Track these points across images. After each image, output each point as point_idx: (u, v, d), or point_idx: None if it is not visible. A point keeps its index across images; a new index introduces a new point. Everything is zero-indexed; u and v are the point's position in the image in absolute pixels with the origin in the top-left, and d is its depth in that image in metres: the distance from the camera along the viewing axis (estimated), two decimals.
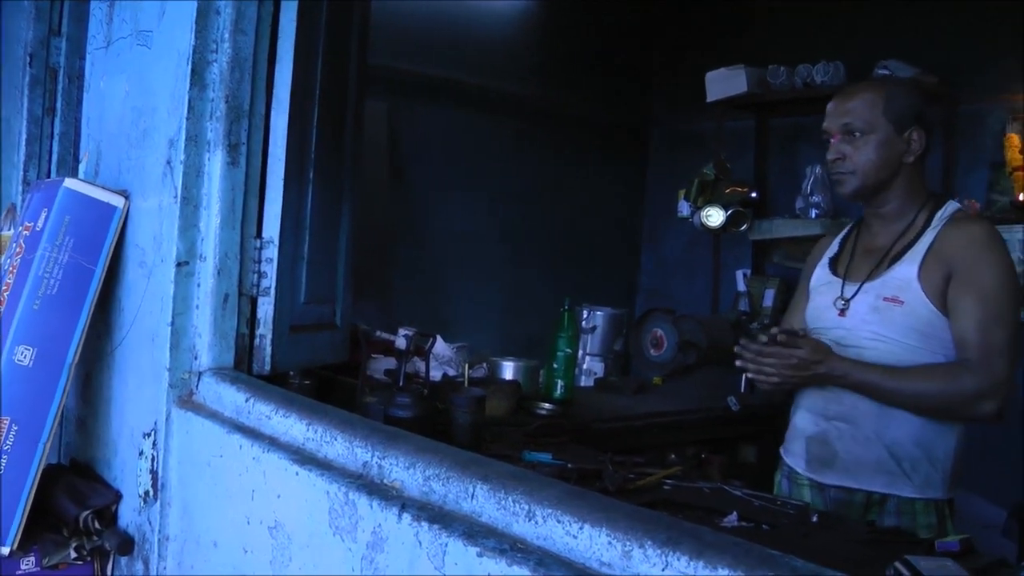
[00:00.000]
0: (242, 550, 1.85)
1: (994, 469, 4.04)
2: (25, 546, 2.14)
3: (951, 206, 2.29)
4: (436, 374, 2.95)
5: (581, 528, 1.27)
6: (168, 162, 2.16)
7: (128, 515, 2.25)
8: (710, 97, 5.12)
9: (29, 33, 2.88)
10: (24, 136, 2.88)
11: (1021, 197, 4.09)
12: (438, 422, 2.40)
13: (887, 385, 2.18)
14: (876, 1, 4.73)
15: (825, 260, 2.45)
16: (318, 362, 2.54)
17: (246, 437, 1.89)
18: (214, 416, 2.04)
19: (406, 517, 1.46)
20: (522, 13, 5.44)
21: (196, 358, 2.16)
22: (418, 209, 5.04)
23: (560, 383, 3.37)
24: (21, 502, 2.12)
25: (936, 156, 4.47)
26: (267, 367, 2.24)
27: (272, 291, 2.25)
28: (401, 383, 2.49)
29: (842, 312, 2.30)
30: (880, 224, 2.33)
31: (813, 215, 4.83)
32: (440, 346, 3.14)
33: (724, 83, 5.06)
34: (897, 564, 1.56)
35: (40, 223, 2.20)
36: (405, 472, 1.57)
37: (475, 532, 1.38)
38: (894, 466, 2.22)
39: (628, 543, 1.21)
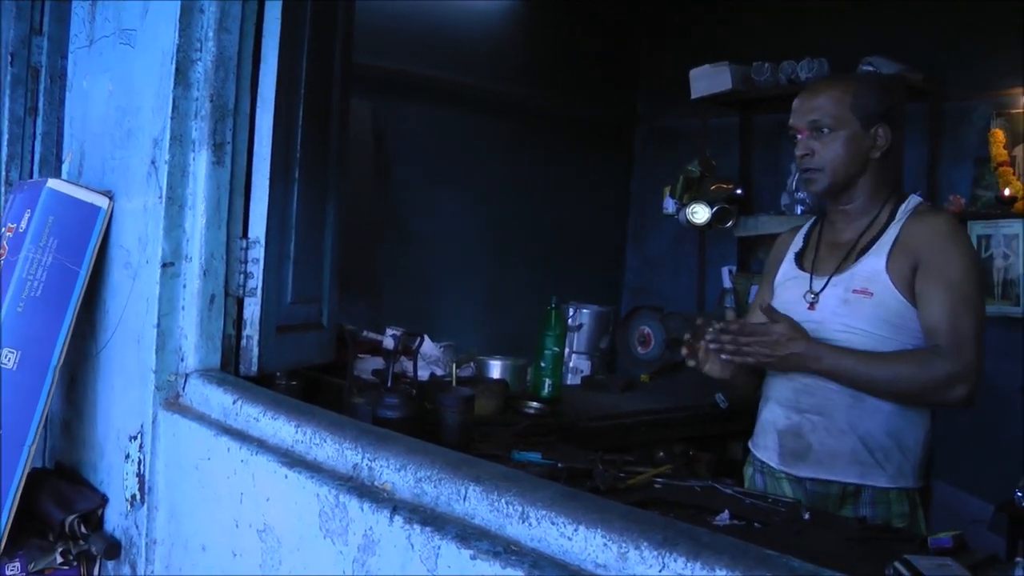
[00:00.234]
0: (231, 554, 1.84)
1: (978, 464, 4.07)
2: (10, 551, 2.12)
3: (913, 199, 2.33)
4: (423, 374, 2.94)
5: (576, 530, 1.26)
6: (153, 162, 2.14)
7: (114, 519, 2.23)
8: (694, 94, 5.12)
9: (10, 32, 2.84)
10: (6, 136, 2.84)
11: (1006, 192, 4.10)
12: (427, 422, 2.38)
13: (859, 369, 2.19)
14: None
15: (791, 255, 2.46)
16: (305, 363, 2.52)
17: (234, 439, 1.87)
18: (201, 418, 2.02)
19: (398, 519, 1.45)
20: (505, 11, 5.42)
21: (182, 360, 2.14)
22: (403, 208, 5.02)
23: (548, 382, 3.36)
24: (6, 507, 2.10)
25: (921, 151, 4.49)
26: (254, 368, 2.23)
27: (259, 291, 2.23)
28: (389, 383, 2.48)
29: (812, 305, 2.31)
30: (844, 220, 2.35)
31: (799, 211, 4.83)
32: (427, 345, 3.12)
33: (708, 80, 5.05)
34: (897, 564, 1.55)
35: (23, 224, 2.17)
36: (396, 474, 1.56)
37: (468, 534, 1.36)
38: (867, 456, 2.24)
39: (624, 544, 1.20)
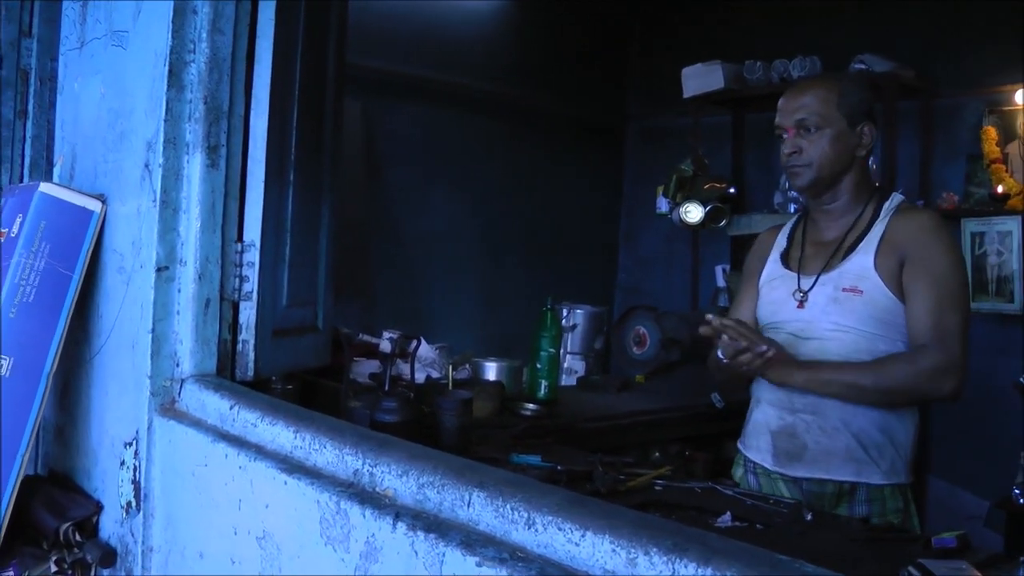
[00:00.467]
0: (229, 561, 1.81)
1: (973, 460, 4.07)
2: (3, 561, 2.09)
3: (896, 197, 2.36)
4: (419, 376, 2.92)
5: (583, 535, 1.24)
6: (146, 165, 2.12)
7: (110, 526, 2.20)
8: (686, 93, 5.11)
9: None
10: None
11: (1000, 189, 4.10)
12: (425, 426, 2.37)
13: (844, 377, 2.22)
14: None
15: (775, 255, 2.47)
16: (301, 366, 2.50)
17: (231, 445, 1.85)
18: (198, 424, 1.99)
19: (401, 526, 1.43)
20: (496, 10, 5.41)
21: (178, 365, 2.11)
22: (394, 209, 5.01)
23: (544, 383, 3.35)
24: None
25: (914, 148, 4.49)
26: (250, 373, 2.20)
27: (254, 295, 2.21)
28: (387, 387, 2.46)
29: (801, 304, 2.32)
30: (828, 218, 2.36)
31: (792, 210, 4.82)
32: (423, 348, 3.11)
33: (700, 79, 5.04)
34: (911, 568, 1.54)
35: (15, 229, 2.15)
36: (398, 480, 1.53)
37: (473, 541, 1.34)
38: (862, 454, 2.25)
39: (633, 550, 1.18)
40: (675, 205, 4.96)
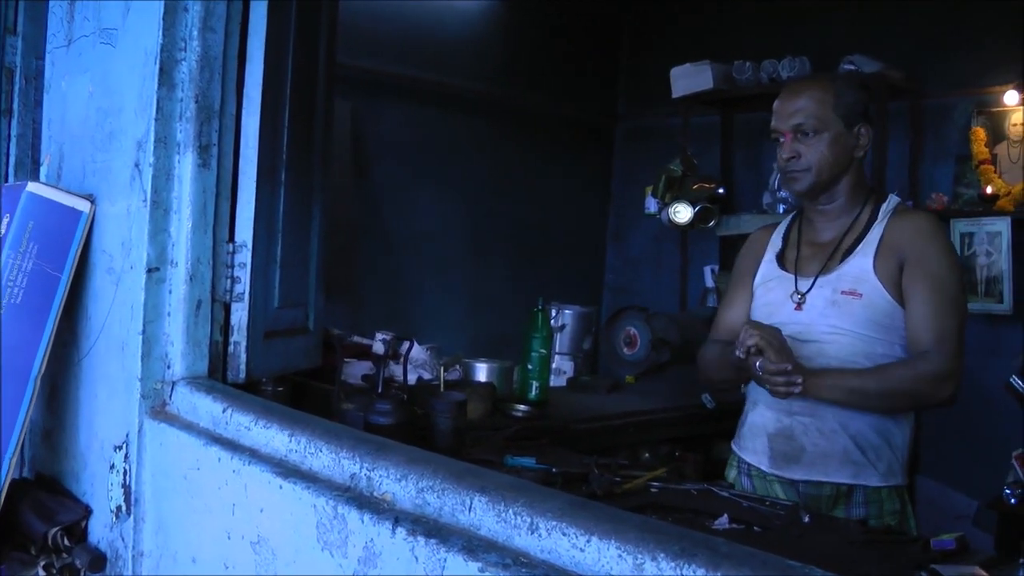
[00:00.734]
0: (223, 566, 1.79)
1: (962, 460, 4.07)
2: None
3: (893, 199, 2.35)
4: (410, 378, 2.89)
5: (588, 541, 1.23)
6: (136, 165, 2.09)
7: (99, 531, 2.17)
8: (675, 93, 5.11)
9: None
10: None
11: (989, 190, 4.10)
12: (418, 428, 2.34)
13: (851, 384, 2.19)
14: None
15: (771, 255, 2.44)
16: (292, 368, 2.47)
17: (224, 449, 1.82)
18: (189, 427, 1.96)
19: (400, 531, 1.41)
20: (485, 10, 5.39)
21: (169, 367, 2.08)
22: (382, 209, 4.98)
23: (535, 384, 3.33)
24: None
25: (903, 149, 4.50)
26: (242, 375, 2.18)
27: (246, 296, 2.18)
28: (380, 389, 2.43)
29: (798, 306, 2.30)
30: (824, 219, 2.35)
31: (781, 210, 4.83)
32: (414, 349, 3.08)
33: (689, 79, 5.04)
34: (923, 573, 1.52)
35: (2, 229, 2.12)
36: (396, 484, 1.51)
37: (475, 546, 1.32)
38: (860, 456, 2.25)
39: (640, 556, 1.17)
40: (664, 205, 4.95)
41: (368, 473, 1.56)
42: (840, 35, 4.73)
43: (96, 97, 2.27)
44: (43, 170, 2.47)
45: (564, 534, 1.26)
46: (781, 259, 2.41)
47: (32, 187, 2.14)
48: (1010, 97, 4.17)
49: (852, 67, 4.33)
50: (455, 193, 5.25)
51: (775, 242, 2.46)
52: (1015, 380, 3.56)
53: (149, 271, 2.06)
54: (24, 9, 2.83)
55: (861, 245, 2.26)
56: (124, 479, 2.08)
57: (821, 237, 2.35)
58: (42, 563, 2.11)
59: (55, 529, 2.13)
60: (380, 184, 4.96)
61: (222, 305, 2.17)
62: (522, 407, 3.15)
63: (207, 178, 2.10)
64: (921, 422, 2.36)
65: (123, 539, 2.08)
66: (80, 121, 2.32)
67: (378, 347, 2.48)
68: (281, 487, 1.65)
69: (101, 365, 2.20)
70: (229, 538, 1.77)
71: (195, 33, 2.07)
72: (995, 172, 4.18)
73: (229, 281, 2.16)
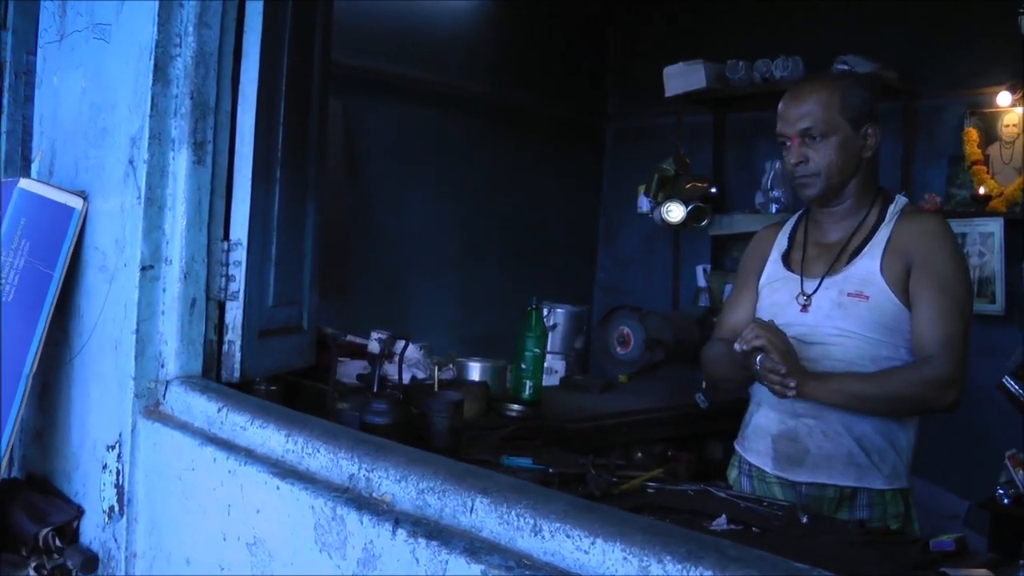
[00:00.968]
0: (218, 567, 1.77)
1: (953, 460, 4.07)
2: None
3: (900, 200, 2.32)
4: (404, 377, 2.87)
5: (593, 543, 1.21)
6: (130, 161, 2.06)
7: (91, 531, 2.15)
8: (668, 92, 5.10)
9: None
10: None
11: (981, 191, 4.11)
12: (414, 428, 2.32)
13: (855, 389, 2.18)
14: None
15: (776, 255, 2.42)
16: (286, 367, 2.45)
17: (220, 449, 1.80)
18: (184, 427, 1.94)
19: (401, 533, 1.39)
20: (476, 9, 5.37)
21: (163, 366, 2.06)
22: (374, 208, 4.96)
23: (529, 383, 3.31)
24: None
25: (896, 150, 4.50)
26: (236, 374, 2.16)
27: (240, 295, 2.16)
28: (375, 388, 2.41)
29: (804, 308, 2.27)
30: (831, 219, 2.32)
31: (773, 209, 4.82)
32: (408, 348, 3.06)
33: (683, 78, 5.03)
34: None
35: None
36: (396, 485, 1.50)
37: (477, 548, 1.31)
38: (864, 459, 2.23)
39: (645, 558, 1.15)
40: (656, 204, 4.94)
41: (367, 474, 1.55)
42: (833, 35, 4.73)
43: (89, 93, 2.25)
44: (34, 167, 2.44)
45: (568, 536, 1.24)
46: (787, 259, 2.38)
47: (24, 183, 2.11)
48: (1003, 98, 4.17)
49: (846, 67, 4.33)
50: (447, 192, 5.24)
51: (781, 242, 2.43)
52: (1008, 381, 3.57)
53: (143, 269, 2.04)
54: (15, 4, 2.79)
55: (868, 247, 2.24)
56: (117, 479, 2.06)
57: (828, 238, 2.33)
58: (33, 564, 2.09)
59: (46, 530, 2.11)
60: (371, 183, 4.95)
61: (216, 303, 2.15)
62: (516, 407, 3.12)
63: (202, 175, 2.08)
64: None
65: (116, 540, 2.06)
66: (72, 117, 2.30)
67: (373, 346, 2.46)
68: (278, 488, 1.63)
69: (94, 364, 2.18)
70: (224, 539, 1.75)
71: (190, 29, 2.05)
72: (988, 173, 4.19)
73: (224, 279, 2.14)
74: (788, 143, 2.27)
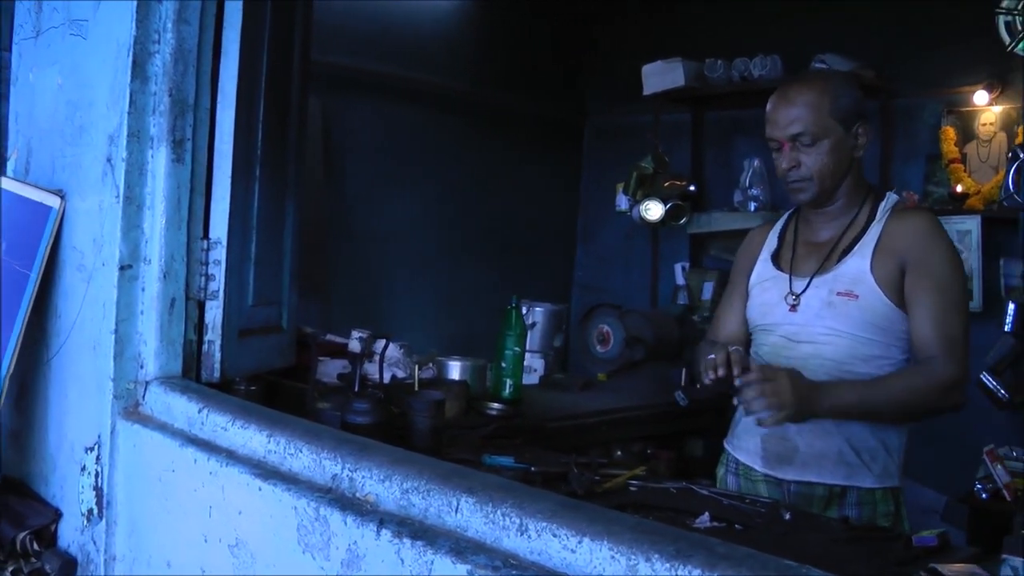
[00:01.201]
0: (199, 569, 1.75)
1: (931, 455, 4.10)
2: None
3: (891, 198, 2.30)
4: (385, 376, 2.86)
5: (580, 542, 1.21)
6: (109, 159, 2.04)
7: (69, 535, 2.13)
8: (647, 90, 5.10)
9: None
10: None
11: (959, 189, 4.13)
12: (395, 427, 2.31)
13: (863, 399, 2.15)
14: None
15: (766, 255, 2.40)
16: (266, 367, 2.44)
17: (201, 450, 1.79)
18: (164, 428, 1.93)
19: (385, 533, 1.38)
20: (455, 8, 5.35)
21: (142, 367, 2.04)
22: (352, 206, 4.94)
23: (509, 382, 3.30)
24: None
25: (873, 148, 4.51)
26: (216, 374, 2.14)
27: (220, 294, 2.14)
28: (356, 388, 2.40)
29: (793, 307, 2.26)
30: (822, 219, 2.30)
31: (752, 208, 4.83)
32: (389, 347, 3.05)
33: (661, 76, 5.03)
34: (923, 574, 1.52)
35: None
36: (380, 485, 1.49)
37: (463, 548, 1.30)
38: (854, 457, 2.21)
39: (633, 557, 1.15)
40: (635, 202, 4.94)
41: (351, 474, 1.54)
42: (811, 34, 4.74)
43: (66, 90, 2.22)
44: (10, 165, 2.41)
45: (555, 535, 1.24)
46: (777, 259, 2.37)
47: (0, 182, 2.09)
48: (979, 97, 4.19)
49: (823, 66, 4.34)
50: (424, 191, 5.22)
51: (771, 241, 2.42)
52: (985, 377, 3.60)
53: (122, 268, 2.02)
54: None
55: (858, 246, 2.22)
56: (96, 481, 2.04)
57: (818, 237, 2.31)
58: (10, 568, 2.07)
59: (24, 533, 2.09)
60: (350, 182, 4.92)
61: (196, 303, 2.14)
62: (496, 405, 3.12)
63: (181, 173, 2.06)
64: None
65: (95, 543, 2.04)
66: (49, 115, 2.27)
67: (354, 345, 2.45)
68: (260, 489, 1.62)
69: (72, 365, 2.16)
70: (206, 541, 1.73)
71: (169, 25, 2.03)
72: (965, 171, 4.21)
73: (203, 279, 2.13)
74: (779, 147, 2.25)
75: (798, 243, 2.34)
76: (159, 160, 2.04)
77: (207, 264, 2.12)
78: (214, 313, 2.14)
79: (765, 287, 2.35)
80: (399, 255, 5.13)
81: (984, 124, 4.21)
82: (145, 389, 2.03)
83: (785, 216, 2.45)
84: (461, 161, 5.37)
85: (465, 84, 5.37)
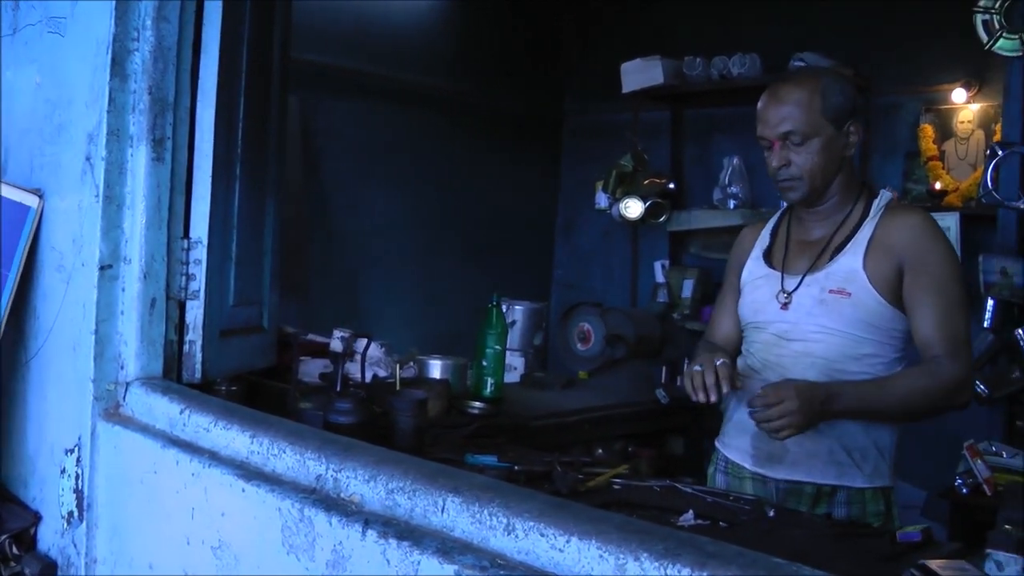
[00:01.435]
0: (182, 572, 1.74)
1: (909, 450, 4.11)
2: None
3: (885, 195, 2.27)
4: (366, 375, 2.85)
5: (568, 541, 1.21)
6: (88, 158, 2.02)
7: (49, 538, 2.11)
8: (626, 88, 5.10)
9: None
10: None
11: (937, 186, 4.16)
12: (378, 427, 2.30)
13: (872, 401, 2.14)
14: None
15: (758, 252, 2.39)
16: (248, 367, 2.42)
17: (183, 451, 1.78)
18: (145, 429, 1.91)
19: (371, 534, 1.38)
20: (432, 5, 5.34)
21: (122, 368, 2.03)
22: (330, 205, 4.92)
23: (490, 381, 3.29)
24: None
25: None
26: (198, 375, 2.13)
27: (201, 294, 2.13)
28: (338, 387, 2.39)
29: (784, 305, 2.25)
30: (815, 217, 2.29)
31: (731, 206, 4.85)
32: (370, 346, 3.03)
33: (640, 74, 5.03)
34: (913, 571, 1.52)
35: None
36: (365, 485, 1.48)
37: (449, 548, 1.30)
38: (845, 457, 2.20)
39: (622, 556, 1.15)
40: (615, 200, 4.94)
41: (335, 474, 1.53)
42: (791, 33, 4.75)
43: (44, 88, 2.20)
44: None
45: (542, 535, 1.24)
46: (768, 256, 2.36)
47: None
48: (957, 95, 4.22)
49: (802, 63, 4.35)
50: (404, 189, 5.21)
51: (763, 238, 2.40)
52: None
53: (102, 268, 2.00)
54: None
55: (851, 243, 2.20)
56: (76, 484, 2.02)
57: (811, 235, 2.29)
58: None
59: (3, 537, 2.07)
60: (328, 180, 4.90)
61: (177, 303, 2.12)
62: (478, 404, 3.11)
63: (162, 172, 2.05)
64: None
65: (75, 546, 2.02)
66: (27, 113, 2.25)
67: (336, 344, 2.44)
68: (244, 490, 1.61)
69: (51, 366, 2.14)
70: (188, 543, 1.72)
71: (149, 23, 2.01)
72: (943, 168, 4.24)
73: (184, 278, 2.11)
74: (769, 146, 2.23)
75: (791, 241, 2.32)
76: (139, 159, 2.02)
77: (188, 264, 2.11)
78: (195, 313, 2.13)
79: (757, 285, 2.34)
80: (377, 254, 5.12)
81: (962, 122, 4.24)
82: (126, 390, 2.01)
83: (778, 214, 2.44)
84: (440, 159, 5.36)
85: (444, 82, 5.36)
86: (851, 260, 2.18)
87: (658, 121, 5.38)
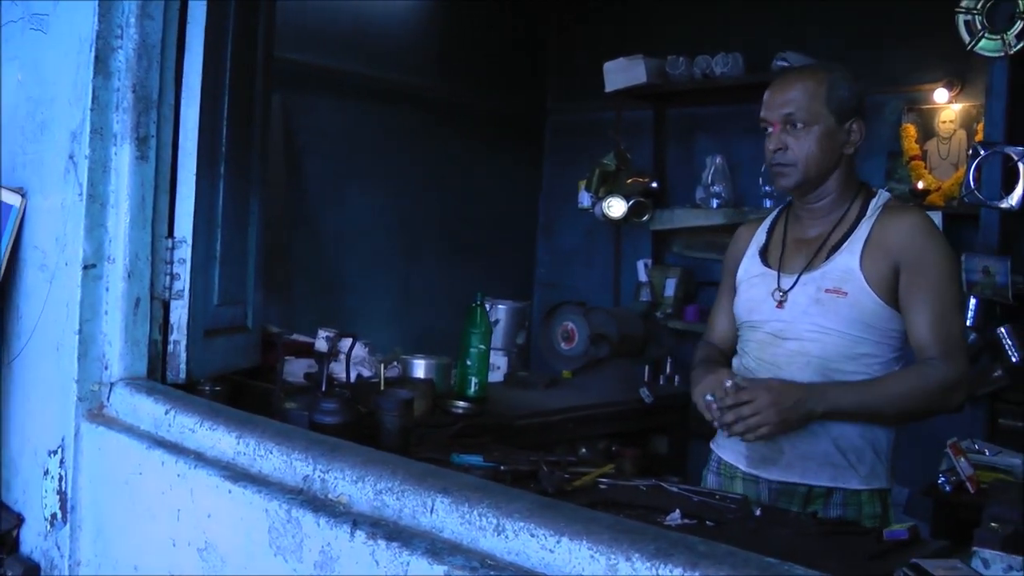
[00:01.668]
0: (168, 574, 1.73)
1: (893, 448, 4.14)
2: None
3: (883, 195, 2.26)
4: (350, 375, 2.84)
5: (558, 541, 1.20)
6: (71, 157, 2.01)
7: (32, 540, 2.09)
8: (609, 87, 5.09)
9: None
10: None
11: (919, 185, 4.17)
12: (363, 427, 2.29)
13: (863, 400, 2.13)
14: None
15: (754, 250, 2.38)
16: (232, 367, 2.41)
17: (168, 452, 1.76)
18: (130, 430, 1.90)
19: (360, 534, 1.37)
20: (414, 4, 5.33)
21: (106, 368, 2.01)
22: (313, 204, 4.90)
23: (474, 380, 3.29)
24: None
25: None
26: (182, 375, 2.12)
27: (185, 294, 2.12)
28: (323, 387, 2.38)
29: (780, 304, 2.25)
30: (811, 216, 2.28)
31: (714, 205, 4.85)
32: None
33: (623, 73, 5.03)
34: (905, 570, 1.52)
35: None
36: (353, 486, 1.48)
37: (439, 549, 1.30)
38: (840, 459, 2.18)
39: (613, 556, 1.15)
40: (597, 199, 4.95)
41: (322, 475, 1.52)
42: (773, 32, 4.77)
43: (26, 86, 2.18)
44: None
45: (532, 535, 1.23)
46: (764, 255, 2.35)
47: None
48: (939, 95, 4.24)
49: (785, 63, 4.36)
50: (386, 188, 5.20)
51: (759, 237, 2.39)
52: None
53: (85, 268, 1.99)
54: None
55: (848, 242, 2.19)
56: (60, 485, 2.00)
57: (808, 233, 2.28)
58: None
59: None
60: (311, 179, 4.88)
61: (161, 303, 2.11)
62: (462, 403, 3.10)
63: (146, 171, 2.03)
64: None
65: (59, 548, 2.01)
66: (9, 111, 2.23)
67: (321, 344, 2.43)
68: (230, 491, 1.60)
69: (34, 367, 2.12)
70: (174, 545, 1.71)
71: (132, 20, 2.00)
72: (925, 168, 4.25)
73: (168, 278, 2.10)
74: (769, 129, 2.22)
75: (787, 239, 2.31)
76: (123, 157, 2.01)
77: (172, 263, 2.10)
78: (179, 313, 2.12)
79: (752, 283, 2.32)
80: (360, 253, 5.11)
81: (944, 121, 4.26)
82: (110, 391, 2.00)
83: (775, 212, 2.43)
84: (422, 158, 5.35)
85: (426, 80, 5.35)
86: (848, 259, 2.16)
87: (641, 120, 5.38)
